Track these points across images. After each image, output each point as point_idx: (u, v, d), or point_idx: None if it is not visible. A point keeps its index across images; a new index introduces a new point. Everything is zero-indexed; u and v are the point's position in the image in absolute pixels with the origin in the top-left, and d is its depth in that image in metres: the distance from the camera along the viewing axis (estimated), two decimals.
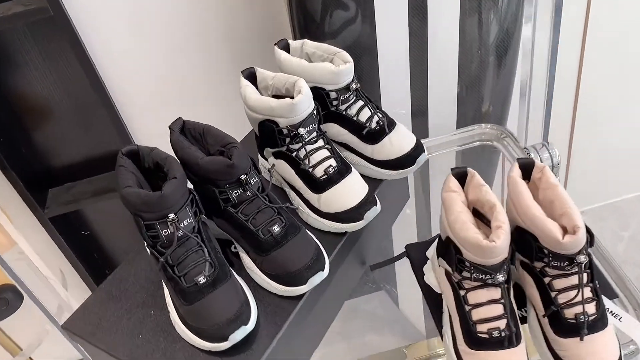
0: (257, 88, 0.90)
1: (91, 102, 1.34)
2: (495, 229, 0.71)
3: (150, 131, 1.39)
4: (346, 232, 0.85)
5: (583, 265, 0.72)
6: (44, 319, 1.22)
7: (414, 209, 1.35)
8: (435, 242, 0.92)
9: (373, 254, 1.01)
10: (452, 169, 0.80)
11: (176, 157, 0.79)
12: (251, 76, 0.90)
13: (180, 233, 0.73)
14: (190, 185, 0.78)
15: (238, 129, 1.40)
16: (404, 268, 1.05)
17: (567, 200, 0.73)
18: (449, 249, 0.76)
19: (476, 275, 0.73)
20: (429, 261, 0.92)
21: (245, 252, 0.81)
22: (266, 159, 0.93)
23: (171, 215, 0.72)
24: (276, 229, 0.77)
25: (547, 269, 0.75)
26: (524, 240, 0.75)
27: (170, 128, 0.82)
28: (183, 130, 0.83)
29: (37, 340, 1.26)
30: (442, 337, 0.83)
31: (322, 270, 0.77)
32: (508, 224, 0.72)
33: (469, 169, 0.80)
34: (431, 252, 0.92)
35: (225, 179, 0.76)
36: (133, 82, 1.35)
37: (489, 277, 0.73)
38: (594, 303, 0.74)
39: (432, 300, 0.88)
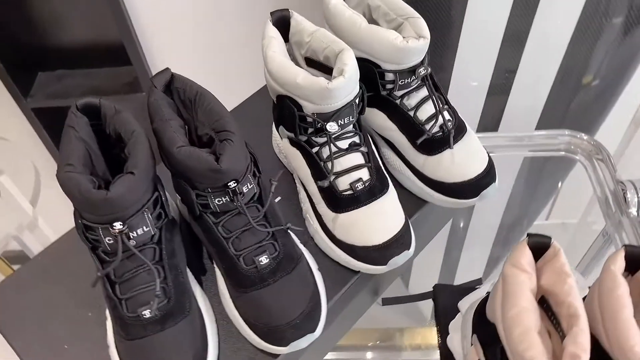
0: (287, 41, 0.64)
1: None
2: (571, 357, 0.48)
3: (158, 27, 1.12)
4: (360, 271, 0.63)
5: None
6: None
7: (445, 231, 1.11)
8: (474, 296, 0.70)
9: (386, 283, 0.80)
10: (528, 235, 0.56)
11: (152, 129, 0.56)
12: (282, 22, 0.63)
13: (132, 243, 0.52)
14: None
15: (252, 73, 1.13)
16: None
17: None
18: (493, 347, 0.54)
19: None
20: (458, 316, 0.71)
21: (221, 275, 0.60)
22: (281, 138, 0.69)
23: (117, 225, 0.50)
24: (264, 260, 0.56)
25: None
26: None
27: (152, 82, 0.57)
28: (170, 87, 0.58)
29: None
30: None
31: (313, 332, 0.56)
32: (589, 351, 0.49)
33: (554, 243, 0.55)
34: (464, 306, 0.70)
35: (208, 183, 0.53)
36: None
37: None
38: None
39: None
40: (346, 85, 0.56)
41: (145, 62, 1.13)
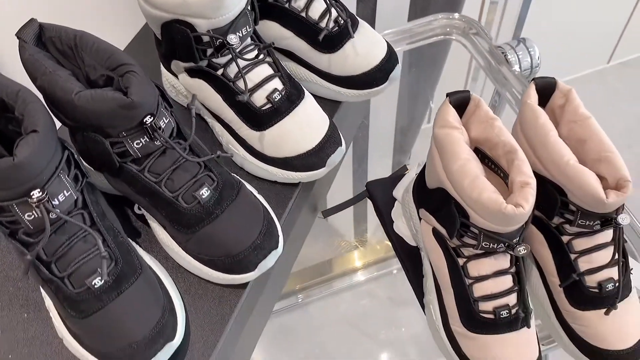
0: None
1: None
2: (521, 186, 0.51)
3: None
4: (300, 182, 0.62)
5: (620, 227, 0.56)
6: None
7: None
8: (406, 180, 0.72)
9: (322, 197, 0.79)
10: (448, 95, 0.58)
11: (36, 88, 0.49)
12: None
13: (53, 215, 0.46)
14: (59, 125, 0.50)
15: (124, 19, 0.99)
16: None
17: (605, 140, 0.54)
18: (446, 207, 0.56)
19: (486, 244, 0.55)
20: (397, 204, 0.73)
21: (161, 226, 0.56)
22: (175, 76, 0.64)
23: (35, 193, 0.44)
24: (205, 193, 0.52)
25: (566, 225, 0.58)
26: (542, 192, 0.56)
27: (20, 37, 0.50)
28: (41, 40, 0.51)
29: None
30: (423, 308, 0.65)
31: (276, 248, 0.54)
32: (534, 177, 0.52)
33: (473, 95, 0.58)
34: (399, 192, 0.72)
35: (121, 125, 0.48)
36: None
37: (502, 246, 0.55)
38: (619, 266, 0.59)
39: (407, 256, 0.69)
40: None
41: None
